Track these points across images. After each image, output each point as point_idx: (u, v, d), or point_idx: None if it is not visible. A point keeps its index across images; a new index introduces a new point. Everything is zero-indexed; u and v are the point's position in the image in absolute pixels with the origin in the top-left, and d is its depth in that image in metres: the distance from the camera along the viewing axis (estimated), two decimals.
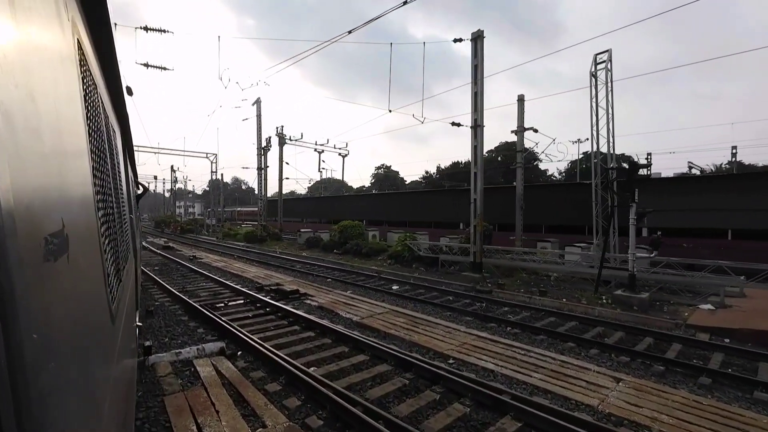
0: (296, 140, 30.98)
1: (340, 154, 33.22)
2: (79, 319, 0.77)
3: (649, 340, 7.42)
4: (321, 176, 34.29)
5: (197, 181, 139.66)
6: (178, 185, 53.62)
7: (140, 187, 7.99)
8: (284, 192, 35.31)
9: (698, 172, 31.65)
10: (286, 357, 5.84)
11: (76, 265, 0.75)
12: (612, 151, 12.78)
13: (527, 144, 17.28)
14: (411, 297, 10.77)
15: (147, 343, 5.50)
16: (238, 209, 61.88)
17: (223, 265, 16.22)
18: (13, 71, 0.48)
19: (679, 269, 10.13)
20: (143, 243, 22.18)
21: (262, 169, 30.56)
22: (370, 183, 76.60)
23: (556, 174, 59.10)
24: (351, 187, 68.69)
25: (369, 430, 4.01)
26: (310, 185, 49.89)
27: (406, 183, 70.85)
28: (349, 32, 11.36)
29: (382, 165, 76.76)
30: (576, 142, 41.61)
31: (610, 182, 10.15)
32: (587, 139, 43.40)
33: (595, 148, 13.26)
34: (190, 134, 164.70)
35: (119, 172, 2.61)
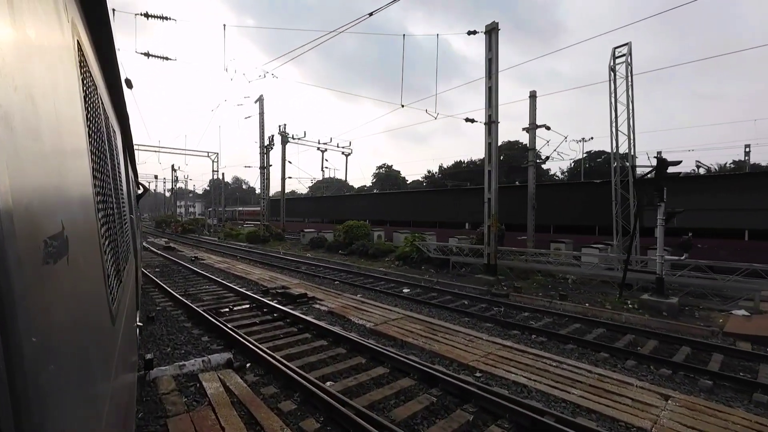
0: (299, 139, 30.47)
1: (343, 153, 32.71)
2: (79, 320, 0.77)
3: (686, 350, 6.92)
4: (324, 176, 33.75)
5: (198, 180, 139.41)
6: (178, 185, 53.15)
7: (140, 187, 7.88)
8: (286, 191, 34.81)
9: (703, 171, 31.03)
10: (299, 370, 5.34)
11: (76, 266, 0.75)
12: (633, 148, 12.25)
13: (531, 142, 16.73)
14: (424, 301, 10.28)
15: (148, 356, 5.00)
16: (239, 209, 61.33)
17: (226, 267, 15.74)
18: (12, 73, 0.48)
19: (708, 272, 9.61)
20: (144, 243, 21.74)
21: (264, 168, 30.08)
22: (372, 182, 76.16)
23: (559, 174, 58.62)
24: (352, 186, 68.16)
25: None
26: (311, 185, 49.43)
27: (408, 182, 70.39)
28: (369, 18, 10.85)
29: (383, 164, 76.32)
30: (581, 141, 41.11)
31: (635, 180, 9.63)
32: (591, 138, 42.55)
33: (614, 145, 12.71)
34: (191, 133, 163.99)
35: (119, 173, 2.60)
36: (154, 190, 56.72)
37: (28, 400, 0.43)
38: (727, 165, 51.79)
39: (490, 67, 12.27)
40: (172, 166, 46.77)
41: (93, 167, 1.16)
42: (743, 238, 15.01)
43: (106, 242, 1.33)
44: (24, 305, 0.44)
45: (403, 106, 13.91)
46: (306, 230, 28.17)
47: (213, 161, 38.24)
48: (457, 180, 53.43)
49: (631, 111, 12.39)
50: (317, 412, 4.49)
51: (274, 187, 35.75)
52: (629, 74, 12.38)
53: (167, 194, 63.94)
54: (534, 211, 16.23)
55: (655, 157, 8.61)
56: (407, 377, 5.46)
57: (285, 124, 30.11)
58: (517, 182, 32.03)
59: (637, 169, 13.02)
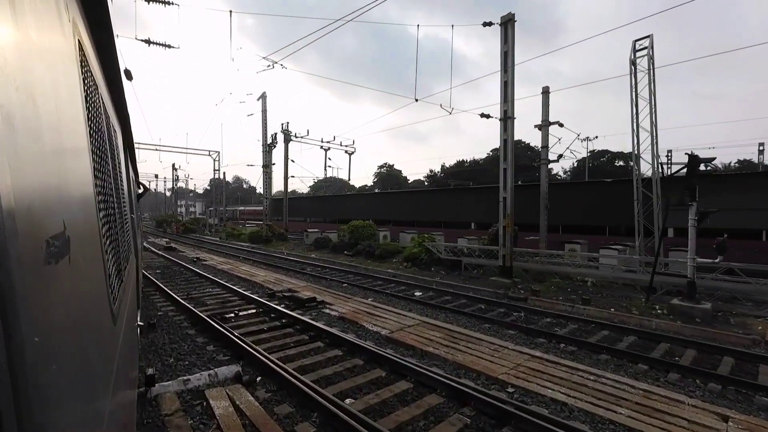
0: (302, 137, 29.96)
1: (346, 151, 32.15)
2: (81, 320, 0.77)
3: (729, 360, 6.41)
4: (327, 174, 33.20)
5: (198, 179, 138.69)
6: (179, 184, 52.65)
7: (141, 186, 7.76)
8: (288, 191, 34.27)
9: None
10: (314, 386, 4.84)
11: (77, 266, 0.74)
12: (656, 145, 11.72)
13: (539, 141, 16.22)
14: (439, 305, 9.78)
15: (149, 371, 4.50)
16: (241, 208, 60.80)
17: (229, 268, 15.25)
18: (14, 73, 0.48)
19: (742, 275, 9.09)
20: (144, 243, 21.27)
21: (267, 167, 29.58)
22: (373, 182, 75.65)
23: (561, 173, 57.98)
24: (353, 186, 67.62)
25: None
26: (312, 184, 48.92)
27: (409, 182, 69.89)
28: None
29: (385, 164, 75.83)
30: (585, 140, 40.59)
31: (662, 178, 9.10)
32: (596, 137, 41.94)
33: (635, 142, 12.17)
34: (192, 131, 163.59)
35: (120, 172, 2.59)
36: (155, 189, 56.25)
37: (30, 400, 0.43)
38: (732, 165, 51.26)
39: (506, 61, 11.75)
40: (173, 165, 46.35)
41: (94, 167, 1.16)
42: (761, 238, 14.53)
43: (108, 242, 1.33)
44: (26, 305, 0.44)
45: (417, 100, 13.41)
46: (309, 230, 27.66)
47: (215, 160, 37.77)
48: (459, 179, 52.91)
49: (653, 106, 11.87)
50: None
51: (276, 186, 35.28)
52: (651, 67, 11.85)
53: (168, 194, 63.47)
54: (547, 211, 15.71)
55: (686, 154, 8.10)
56: (434, 393, 4.96)
57: (288, 122, 29.61)
58: (519, 181, 31.54)
59: (642, 167, 12.53)
